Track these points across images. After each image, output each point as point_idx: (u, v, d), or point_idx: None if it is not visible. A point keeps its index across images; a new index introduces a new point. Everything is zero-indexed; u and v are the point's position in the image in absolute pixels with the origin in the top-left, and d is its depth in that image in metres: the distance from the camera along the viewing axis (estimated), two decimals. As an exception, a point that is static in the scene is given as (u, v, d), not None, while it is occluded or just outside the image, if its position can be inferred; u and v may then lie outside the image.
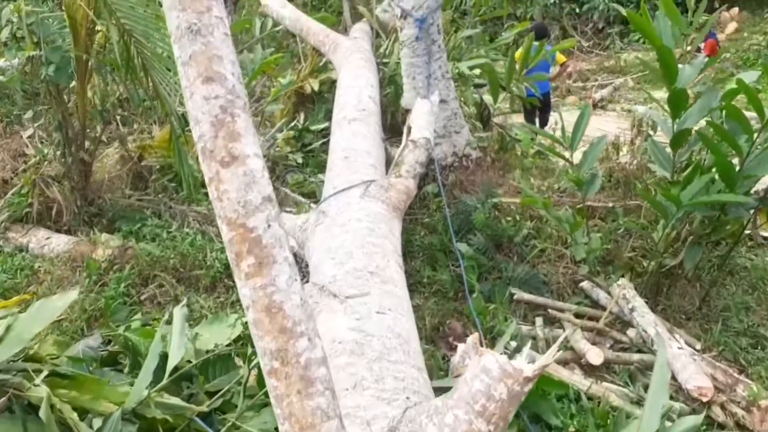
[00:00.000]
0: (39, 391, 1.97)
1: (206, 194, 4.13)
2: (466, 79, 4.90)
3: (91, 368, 2.52)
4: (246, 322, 1.54)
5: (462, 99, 4.96)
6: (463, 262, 3.18)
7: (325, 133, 5.06)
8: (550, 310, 3.07)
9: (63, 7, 3.28)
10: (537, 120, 7.41)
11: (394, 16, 5.32)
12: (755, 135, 2.75)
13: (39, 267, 3.68)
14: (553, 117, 8.23)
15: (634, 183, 3.91)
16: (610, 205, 3.80)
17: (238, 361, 2.51)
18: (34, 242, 3.91)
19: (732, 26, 12.77)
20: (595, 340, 3.00)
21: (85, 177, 3.82)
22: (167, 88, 3.52)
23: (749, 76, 3.19)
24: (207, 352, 2.65)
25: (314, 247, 2.53)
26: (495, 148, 4.27)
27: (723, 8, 13.62)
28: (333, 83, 5.20)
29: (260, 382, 2.16)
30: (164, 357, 2.28)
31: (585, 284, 3.24)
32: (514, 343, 2.75)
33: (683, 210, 2.85)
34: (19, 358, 2.15)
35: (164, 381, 2.21)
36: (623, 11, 3.26)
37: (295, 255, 2.82)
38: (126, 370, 2.61)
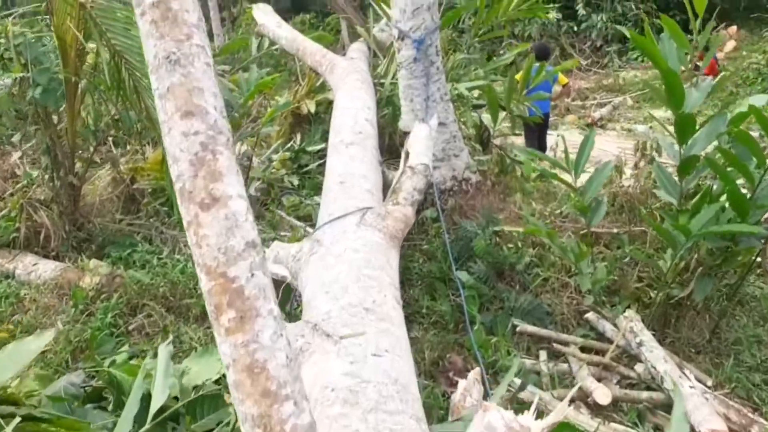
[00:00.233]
0: (9, 440, 1.83)
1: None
2: (465, 101, 4.82)
3: (73, 406, 2.40)
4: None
5: (461, 120, 4.88)
6: (464, 291, 3.06)
7: (322, 154, 4.97)
8: (554, 344, 2.95)
9: (52, 28, 3.20)
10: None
11: (391, 36, 5.27)
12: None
13: (25, 294, 3.56)
14: (551, 136, 8.20)
15: (638, 208, 3.81)
16: (615, 231, 3.69)
17: (228, 398, 2.38)
18: (20, 268, 3.79)
19: (730, 45, 12.81)
20: (602, 375, 2.87)
21: (74, 201, 3.71)
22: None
23: (758, 100, 3.11)
24: (195, 387, 2.54)
25: (308, 278, 2.41)
26: (495, 171, 4.17)
27: (721, 27, 13.72)
28: (330, 104, 5.12)
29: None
30: (148, 397, 2.15)
31: (590, 315, 3.12)
32: (518, 380, 2.62)
33: (692, 240, 2.75)
34: (-8, 401, 2.02)
35: (147, 425, 2.08)
36: (628, 33, 3.17)
37: (288, 285, 2.72)
38: (110, 407, 2.49)
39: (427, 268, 3.35)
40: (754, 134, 3.00)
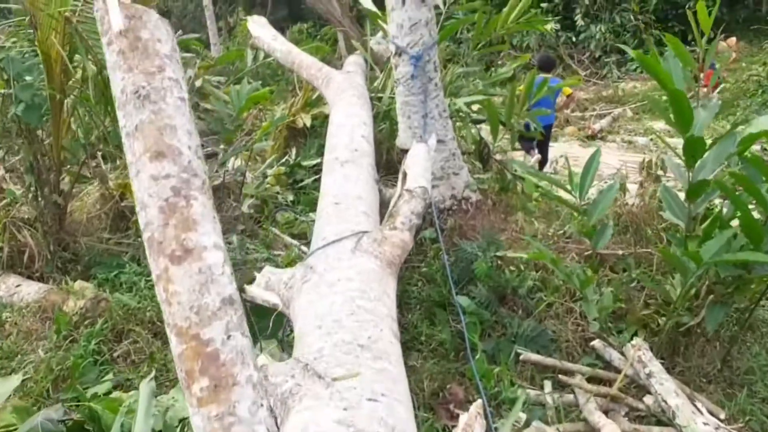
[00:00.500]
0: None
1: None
2: (464, 116, 4.71)
3: (50, 444, 2.26)
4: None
5: (460, 136, 4.77)
6: (465, 318, 2.93)
7: (318, 169, 4.85)
8: (560, 376, 2.81)
9: (36, 43, 3.08)
10: (536, 152, 7.24)
11: (388, 49, 5.17)
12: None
13: (7, 318, 3.42)
14: (553, 149, 8.10)
15: (644, 229, 3.69)
16: (620, 253, 3.57)
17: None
18: (3, 290, 3.64)
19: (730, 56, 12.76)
20: (609, 407, 2.74)
21: (59, 220, 3.57)
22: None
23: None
24: (181, 420, 2.42)
25: (300, 308, 2.28)
26: (496, 189, 4.04)
27: (720, 38, 13.70)
28: (326, 118, 5.02)
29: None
30: (129, 434, 2.02)
31: (596, 343, 2.98)
32: (523, 415, 2.49)
33: (704, 267, 2.63)
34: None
35: (126, 470, 1.95)
36: (632, 53, 3.07)
37: (280, 313, 2.58)
38: (90, 445, 2.35)
39: (426, 292, 3.22)
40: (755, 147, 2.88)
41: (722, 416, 2.68)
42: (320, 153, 4.77)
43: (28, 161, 3.38)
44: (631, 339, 3.03)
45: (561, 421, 2.64)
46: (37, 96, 3.07)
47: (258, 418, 1.00)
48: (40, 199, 3.49)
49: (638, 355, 2.80)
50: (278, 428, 1.16)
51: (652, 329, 3.10)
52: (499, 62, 12.96)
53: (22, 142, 3.40)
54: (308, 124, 5.28)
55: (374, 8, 5.17)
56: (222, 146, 4.79)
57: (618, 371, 2.87)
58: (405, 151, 3.85)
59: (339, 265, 2.42)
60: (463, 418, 2.18)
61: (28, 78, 3.21)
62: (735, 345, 3.04)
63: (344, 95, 4.38)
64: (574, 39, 14.90)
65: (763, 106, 9.77)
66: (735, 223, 2.98)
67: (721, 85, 10.67)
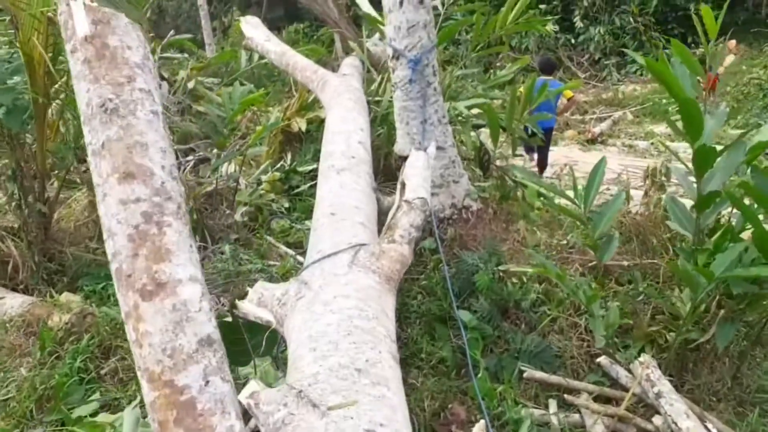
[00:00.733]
0: None
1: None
2: (463, 120, 4.60)
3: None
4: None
5: (459, 141, 4.66)
6: (466, 333, 2.81)
7: (314, 174, 4.73)
8: (566, 396, 2.69)
9: (18, 44, 2.95)
10: (536, 155, 7.14)
11: (385, 51, 5.05)
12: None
13: (-11, 332, 3.28)
14: (553, 152, 7.99)
15: (650, 239, 3.58)
16: (625, 264, 3.46)
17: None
18: (-14, 302, 3.51)
19: (730, 59, 12.69)
20: (617, 428, 2.63)
21: (44, 230, 3.44)
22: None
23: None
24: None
25: (294, 328, 2.15)
26: (496, 198, 3.93)
27: (720, 41, 13.62)
28: (322, 122, 4.89)
29: None
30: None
31: (603, 360, 2.87)
32: (527, 439, 2.37)
33: (715, 282, 2.52)
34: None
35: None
36: (640, 59, 2.96)
37: (274, 331, 2.45)
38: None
39: (426, 306, 3.10)
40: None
41: (734, 437, 2.58)
42: (316, 158, 4.64)
43: (10, 168, 3.24)
44: (638, 355, 2.92)
45: (567, 442, 2.52)
46: (19, 100, 2.94)
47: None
48: (24, 207, 3.36)
49: (647, 374, 2.69)
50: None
51: (659, 344, 2.99)
52: (498, 64, 12.84)
53: (3, 148, 3.26)
54: (304, 128, 5.16)
55: (371, 10, 5.06)
56: (215, 151, 4.66)
57: (625, 389, 2.76)
58: (403, 158, 3.73)
59: (335, 280, 2.30)
60: (465, 441, 2.07)
61: (15, 79, 3.08)
62: (745, 361, 2.93)
63: (340, 99, 4.26)
64: (573, 41, 14.80)
65: (765, 110, 9.69)
66: (745, 234, 2.88)
67: (719, 88, 10.58)
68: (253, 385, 1.75)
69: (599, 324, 2.69)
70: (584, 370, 2.92)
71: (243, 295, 2.45)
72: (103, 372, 2.95)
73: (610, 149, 9.81)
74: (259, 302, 2.40)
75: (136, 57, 0.94)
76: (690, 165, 3.35)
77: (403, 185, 2.75)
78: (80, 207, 4.16)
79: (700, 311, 2.76)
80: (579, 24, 14.72)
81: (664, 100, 12.09)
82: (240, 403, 1.25)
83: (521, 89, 6.38)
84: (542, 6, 14.41)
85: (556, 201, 3.71)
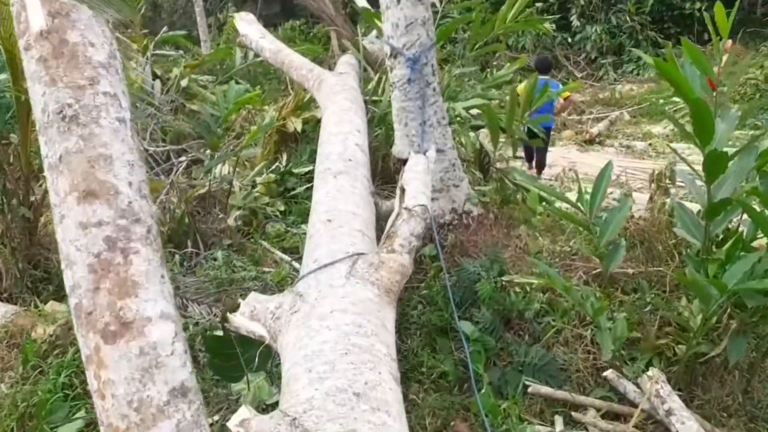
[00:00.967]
0: None
1: (171, 252, 3.65)
2: (463, 121, 4.48)
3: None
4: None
5: (458, 142, 4.54)
6: (469, 346, 2.69)
7: (310, 176, 4.60)
8: (573, 413, 2.59)
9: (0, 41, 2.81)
10: (535, 156, 7.04)
11: (382, 48, 4.92)
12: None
13: (-30, 343, 3.14)
14: (551, 153, 7.89)
15: (655, 247, 3.47)
16: (630, 271, 3.35)
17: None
18: (-33, 310, 3.36)
19: (725, 58, 12.60)
20: (625, 445, 2.52)
21: (28, 236, 3.29)
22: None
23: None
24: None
25: (288, 345, 2.03)
26: (497, 202, 3.81)
27: (717, 40, 13.56)
28: (318, 122, 4.77)
29: None
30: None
31: (610, 374, 2.76)
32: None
33: (728, 294, 2.42)
34: None
35: None
36: (649, 60, 2.85)
37: (267, 346, 2.32)
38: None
39: (426, 317, 2.98)
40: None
41: (747, 455, 2.48)
42: (312, 159, 4.51)
43: (-8, 171, 3.10)
44: (646, 368, 2.82)
45: (573, 461, 2.42)
46: (1, 98, 2.80)
47: None
48: (6, 211, 3.21)
49: (656, 389, 2.59)
50: None
51: (667, 356, 2.89)
52: (495, 63, 12.72)
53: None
54: (299, 128, 5.02)
55: (368, 5, 4.94)
56: (208, 152, 4.53)
57: (633, 405, 2.65)
58: (401, 161, 3.61)
59: (332, 293, 2.18)
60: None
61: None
62: (755, 374, 2.83)
63: (337, 98, 4.13)
64: (569, 40, 14.70)
65: (761, 110, 9.62)
66: (756, 243, 2.79)
67: (718, 89, 10.49)
68: (243, 412, 1.63)
69: (607, 337, 2.58)
70: (590, 384, 2.81)
71: (236, 307, 2.32)
72: (88, 388, 2.81)
73: (607, 150, 9.72)
74: (251, 315, 2.28)
75: (100, 55, 0.81)
76: (695, 167, 3.26)
77: (403, 191, 2.63)
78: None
79: (711, 323, 2.66)
80: (575, 23, 14.62)
81: (661, 100, 12.04)
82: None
83: (520, 88, 6.28)
84: (538, 4, 14.31)
85: (557, 205, 3.61)
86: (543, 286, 3.13)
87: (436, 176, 3.45)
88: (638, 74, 14.41)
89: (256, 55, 6.22)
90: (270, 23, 16.75)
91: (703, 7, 13.57)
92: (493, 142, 4.23)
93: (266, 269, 3.65)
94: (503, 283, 3.11)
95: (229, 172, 4.59)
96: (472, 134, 4.84)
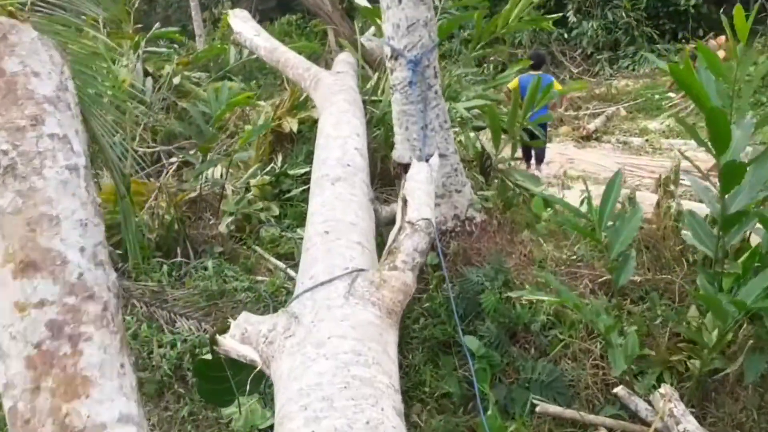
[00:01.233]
0: None
1: (160, 263, 3.50)
2: (464, 122, 4.35)
3: None
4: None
5: (458, 142, 4.41)
6: (473, 362, 2.57)
7: (306, 178, 4.45)
8: (583, 435, 2.48)
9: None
10: (533, 161, 6.96)
11: (380, 46, 4.78)
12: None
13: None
14: (549, 149, 7.77)
15: (662, 252, 3.37)
16: (638, 279, 3.24)
17: None
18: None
19: (720, 55, 12.50)
20: (637, 467, 2.42)
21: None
22: (107, 137, 2.90)
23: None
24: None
25: (282, 375, 1.89)
26: (500, 207, 3.68)
27: (710, 36, 13.49)
28: (315, 122, 4.61)
29: None
30: None
31: (620, 391, 2.65)
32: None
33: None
34: None
35: None
36: (664, 66, 2.73)
37: (261, 371, 2.18)
38: None
39: (428, 331, 2.86)
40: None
41: (764, 478, 2.38)
42: (309, 160, 4.37)
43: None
44: (657, 382, 2.72)
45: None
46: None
47: None
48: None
49: (669, 408, 2.48)
50: None
51: (678, 371, 2.79)
52: (492, 58, 12.58)
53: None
54: (295, 129, 4.86)
55: (367, 3, 4.78)
56: (199, 154, 4.37)
57: (645, 423, 2.55)
58: (402, 165, 3.48)
59: (329, 315, 2.04)
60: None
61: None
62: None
63: (335, 99, 3.99)
64: (566, 35, 14.59)
65: (756, 107, 9.54)
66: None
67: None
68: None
69: (619, 355, 2.47)
70: (600, 401, 2.70)
71: (225, 328, 2.18)
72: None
73: (604, 146, 9.63)
74: (242, 338, 2.13)
75: (46, 88, 0.67)
76: (697, 163, 3.14)
77: (405, 201, 2.50)
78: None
79: (727, 340, 2.55)
80: (572, 18, 14.52)
81: (656, 96, 11.96)
82: None
83: (511, 85, 6.15)
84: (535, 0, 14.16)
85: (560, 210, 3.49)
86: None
87: (438, 182, 3.31)
88: (634, 70, 14.36)
89: (251, 53, 6.05)
90: (266, 17, 16.49)
91: (699, 2, 13.51)
92: (495, 144, 4.10)
93: (260, 278, 3.51)
94: (507, 293, 2.99)
95: (221, 175, 4.44)
96: (472, 134, 4.71)
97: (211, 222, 3.84)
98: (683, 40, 13.67)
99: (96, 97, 2.83)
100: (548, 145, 7.93)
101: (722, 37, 13.04)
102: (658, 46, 13.94)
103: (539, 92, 4.01)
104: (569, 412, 2.57)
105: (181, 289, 3.10)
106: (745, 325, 2.59)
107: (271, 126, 4.82)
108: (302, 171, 4.68)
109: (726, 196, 2.58)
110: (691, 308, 3.03)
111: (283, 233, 4.14)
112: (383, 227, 3.43)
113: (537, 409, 2.56)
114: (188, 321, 2.77)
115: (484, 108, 4.32)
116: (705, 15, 14.09)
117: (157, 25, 7.30)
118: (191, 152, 4.34)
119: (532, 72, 6.09)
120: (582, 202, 3.82)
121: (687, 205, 4.12)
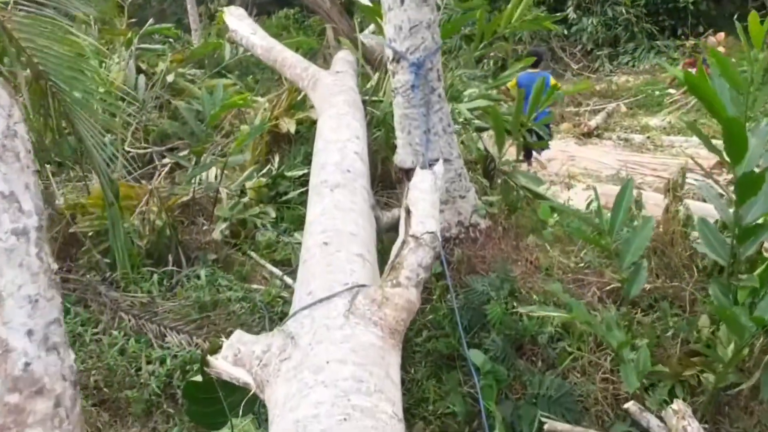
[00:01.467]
0: None
1: (150, 272, 3.37)
2: (467, 123, 4.23)
3: None
4: None
5: (460, 142, 4.29)
6: (479, 379, 2.46)
7: (304, 180, 4.33)
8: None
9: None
10: (533, 161, 6.87)
11: (380, 43, 4.65)
12: None
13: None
14: (550, 145, 7.67)
15: (671, 258, 3.27)
16: (647, 287, 3.13)
17: None
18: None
19: (719, 51, 12.41)
20: (649, 488, 2.33)
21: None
22: (94, 141, 2.78)
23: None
24: None
25: (277, 402, 1.77)
26: (505, 212, 3.58)
27: (709, 33, 13.39)
28: (313, 122, 4.49)
29: None
30: None
31: (631, 406, 2.55)
32: None
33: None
34: None
35: None
36: (677, 73, 2.62)
37: (255, 395, 2.06)
38: None
39: (432, 344, 2.75)
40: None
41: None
42: (307, 162, 4.25)
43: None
44: (669, 395, 2.63)
45: None
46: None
47: None
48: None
49: (683, 426, 2.38)
50: None
51: (690, 384, 2.69)
52: (492, 54, 12.45)
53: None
54: (293, 129, 4.73)
55: (368, 2, 4.66)
56: (193, 157, 4.24)
57: (657, 441, 2.45)
58: (403, 170, 3.37)
59: (328, 336, 1.92)
60: None
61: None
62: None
63: (334, 101, 3.86)
64: (565, 32, 14.50)
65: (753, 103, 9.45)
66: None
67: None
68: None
69: (631, 372, 2.37)
70: (610, 417, 2.61)
71: (215, 350, 2.05)
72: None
73: (606, 143, 9.56)
74: (235, 360, 2.01)
75: None
76: (700, 161, 3.02)
77: (408, 212, 2.38)
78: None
79: (744, 355, 2.45)
80: (572, 15, 14.44)
81: (657, 92, 11.89)
82: None
83: (510, 84, 6.04)
84: (534, -6, 14.04)
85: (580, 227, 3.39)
86: (555, 303, 2.91)
87: (441, 188, 3.20)
88: (634, 66, 14.33)
89: (246, 50, 5.91)
90: (263, 11, 16.32)
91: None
92: (498, 146, 3.98)
93: (255, 286, 3.39)
94: (513, 303, 2.89)
95: (216, 177, 4.31)
96: (474, 134, 4.60)
97: (204, 227, 3.71)
98: (683, 37, 13.61)
99: (83, 101, 2.71)
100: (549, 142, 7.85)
101: (721, 34, 12.96)
102: (657, 42, 13.88)
103: (548, 95, 3.92)
104: (579, 430, 2.47)
105: (172, 300, 2.98)
106: (761, 339, 2.49)
107: (268, 127, 4.69)
108: (300, 173, 4.56)
109: (742, 207, 2.48)
110: (702, 317, 2.93)
111: (280, 238, 4.02)
112: (384, 234, 3.32)
113: (545, 427, 2.46)
114: (179, 335, 2.65)
115: (487, 109, 4.20)
116: (704, 12, 14.02)
117: (151, 20, 7.15)
118: (184, 153, 4.21)
119: (530, 70, 5.99)
120: (588, 206, 3.75)
121: (691, 204, 4.02)
